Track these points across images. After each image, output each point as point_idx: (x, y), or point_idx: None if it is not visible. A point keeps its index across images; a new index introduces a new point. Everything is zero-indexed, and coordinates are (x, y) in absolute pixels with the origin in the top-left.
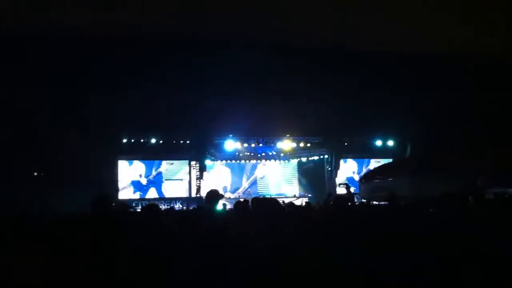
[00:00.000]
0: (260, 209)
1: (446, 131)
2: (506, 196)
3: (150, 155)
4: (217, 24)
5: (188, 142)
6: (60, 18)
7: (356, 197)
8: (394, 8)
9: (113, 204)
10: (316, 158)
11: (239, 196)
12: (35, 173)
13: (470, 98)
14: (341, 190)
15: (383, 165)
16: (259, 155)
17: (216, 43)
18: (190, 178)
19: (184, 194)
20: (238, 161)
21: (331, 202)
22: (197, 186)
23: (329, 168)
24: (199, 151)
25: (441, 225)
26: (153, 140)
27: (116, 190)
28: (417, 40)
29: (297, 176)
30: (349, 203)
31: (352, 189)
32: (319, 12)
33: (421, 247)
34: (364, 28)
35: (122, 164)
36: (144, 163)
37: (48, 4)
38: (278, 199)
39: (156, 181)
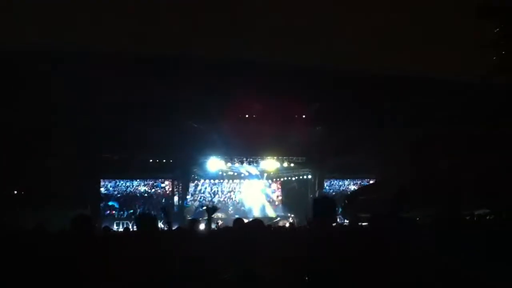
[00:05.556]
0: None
1: (430, 155)
2: (488, 217)
3: (134, 174)
4: (201, 47)
5: (171, 161)
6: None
7: (339, 217)
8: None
9: (96, 225)
10: (299, 178)
11: (221, 216)
12: (15, 192)
13: (454, 123)
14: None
15: (367, 185)
16: (242, 175)
17: (201, 65)
18: (173, 196)
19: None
20: (221, 181)
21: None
22: (180, 205)
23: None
24: (182, 170)
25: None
26: (137, 159)
27: (98, 209)
28: (399, 66)
29: (280, 196)
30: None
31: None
32: (304, 36)
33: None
34: (350, 53)
35: (105, 183)
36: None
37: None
38: (261, 220)
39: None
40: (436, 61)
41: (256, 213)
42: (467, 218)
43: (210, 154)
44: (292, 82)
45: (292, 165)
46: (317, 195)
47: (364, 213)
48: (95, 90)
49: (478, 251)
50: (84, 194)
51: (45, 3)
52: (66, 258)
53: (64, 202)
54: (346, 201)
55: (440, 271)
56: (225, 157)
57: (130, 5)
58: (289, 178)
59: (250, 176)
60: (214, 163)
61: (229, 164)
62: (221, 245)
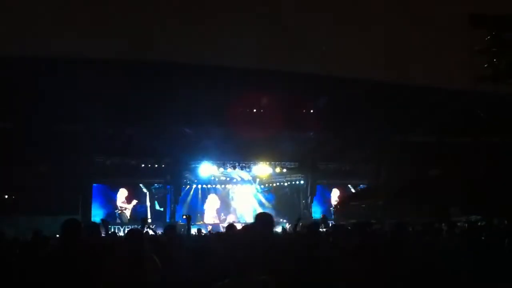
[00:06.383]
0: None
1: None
2: (479, 224)
3: (125, 180)
4: (189, 52)
5: (163, 166)
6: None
7: (331, 222)
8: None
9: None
10: (292, 183)
11: (213, 222)
12: (6, 196)
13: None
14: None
15: (358, 191)
16: (234, 180)
17: (194, 70)
18: (165, 202)
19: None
20: (213, 186)
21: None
22: (171, 210)
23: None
24: (174, 175)
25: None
26: (129, 165)
27: (89, 215)
28: (392, 73)
29: (272, 201)
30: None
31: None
32: (299, 42)
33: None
34: (344, 61)
35: (97, 188)
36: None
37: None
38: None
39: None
40: (429, 69)
41: (248, 219)
42: (458, 224)
43: (202, 159)
44: (286, 88)
45: (284, 170)
46: (309, 201)
47: (354, 219)
48: (87, 96)
49: (469, 255)
50: (76, 199)
51: (43, 5)
52: (58, 265)
53: (55, 206)
54: (338, 206)
55: (428, 274)
56: (217, 162)
57: (122, 12)
58: (282, 183)
59: (242, 181)
60: (206, 168)
61: (221, 169)
62: (214, 251)
